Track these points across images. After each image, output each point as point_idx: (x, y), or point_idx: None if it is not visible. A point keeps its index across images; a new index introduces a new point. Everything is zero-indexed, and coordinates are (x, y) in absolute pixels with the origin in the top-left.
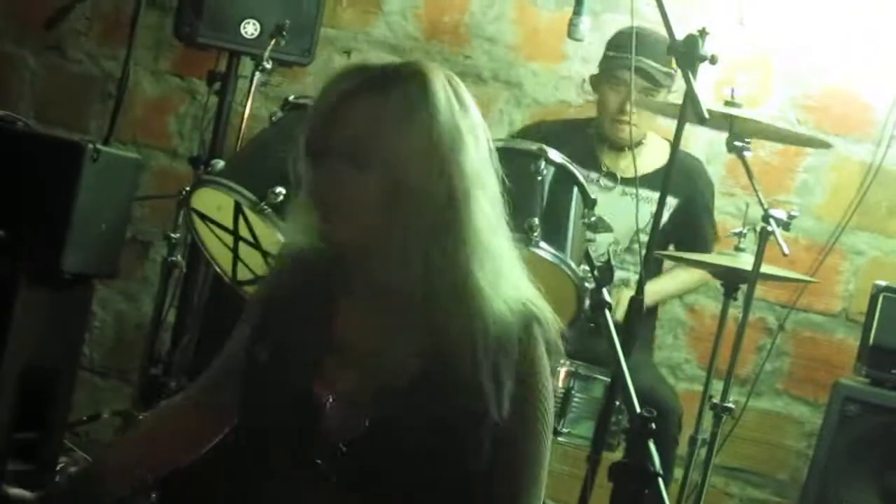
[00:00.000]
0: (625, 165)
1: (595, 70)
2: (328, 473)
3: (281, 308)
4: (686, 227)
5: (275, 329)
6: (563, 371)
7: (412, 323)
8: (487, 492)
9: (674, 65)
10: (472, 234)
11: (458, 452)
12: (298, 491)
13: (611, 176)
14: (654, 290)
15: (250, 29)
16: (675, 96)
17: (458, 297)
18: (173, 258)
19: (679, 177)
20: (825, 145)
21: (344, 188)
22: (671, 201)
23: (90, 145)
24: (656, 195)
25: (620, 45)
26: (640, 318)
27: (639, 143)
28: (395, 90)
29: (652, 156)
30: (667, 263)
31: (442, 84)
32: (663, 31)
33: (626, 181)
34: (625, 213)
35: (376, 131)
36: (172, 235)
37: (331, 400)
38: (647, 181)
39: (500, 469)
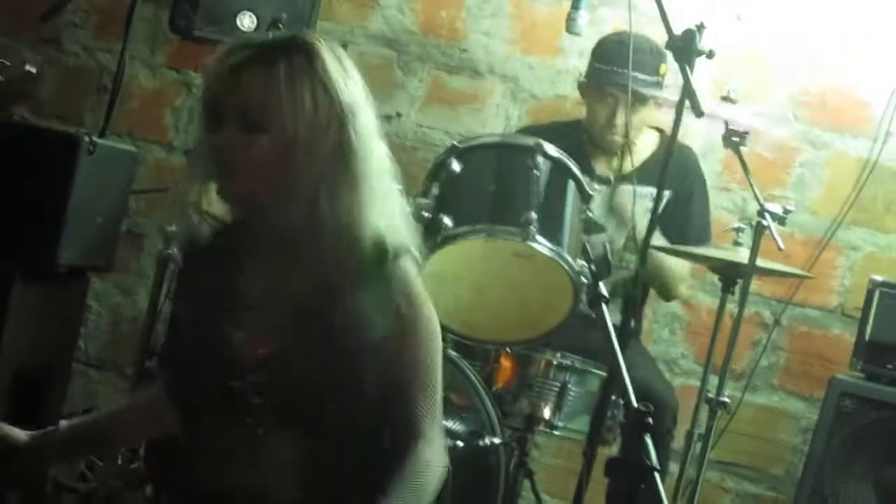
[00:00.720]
0: (616, 166)
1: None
2: (246, 401)
3: (196, 269)
4: (676, 218)
5: (191, 288)
6: (555, 364)
7: (301, 263)
8: (382, 418)
9: (662, 70)
10: (360, 184)
11: (340, 378)
12: (224, 431)
13: (603, 179)
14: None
15: (246, 22)
16: (672, 91)
17: (338, 238)
18: (168, 251)
19: (670, 169)
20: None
21: (238, 151)
22: (665, 194)
23: (86, 138)
24: (648, 189)
25: (608, 58)
26: (639, 313)
27: (630, 145)
28: (282, 61)
29: (642, 150)
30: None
31: (326, 53)
32: (653, 28)
33: (618, 180)
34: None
35: (265, 99)
36: (167, 228)
37: (236, 338)
38: (640, 177)
39: (391, 393)
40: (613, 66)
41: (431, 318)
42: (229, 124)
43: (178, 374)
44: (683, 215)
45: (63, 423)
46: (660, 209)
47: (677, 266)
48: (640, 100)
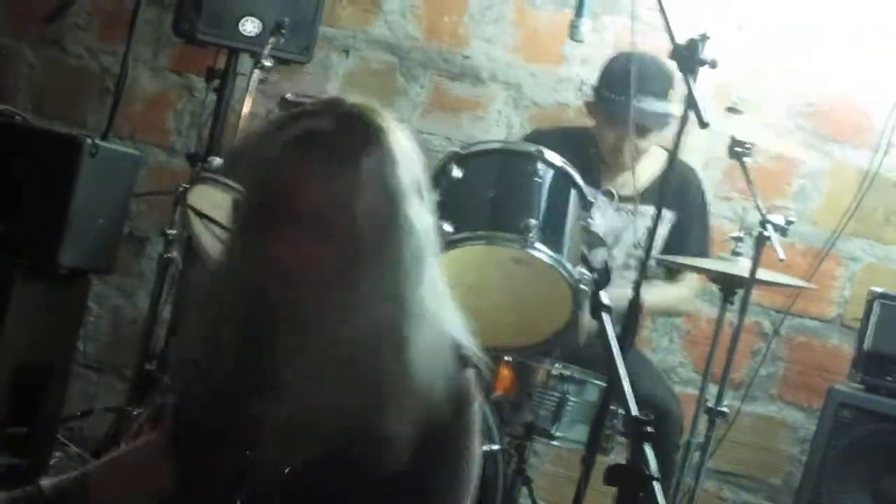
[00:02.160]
0: (622, 182)
1: (591, 72)
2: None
3: (212, 372)
4: (680, 237)
5: (206, 396)
6: (555, 373)
7: (346, 380)
8: None
9: (669, 95)
10: (419, 296)
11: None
12: None
13: (608, 194)
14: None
15: (249, 26)
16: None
17: (393, 358)
18: (169, 255)
19: (673, 188)
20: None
21: (307, 258)
22: (668, 215)
23: (88, 140)
24: (651, 209)
25: (617, 86)
26: (638, 322)
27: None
28: (357, 160)
29: (648, 168)
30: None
31: (397, 143)
32: (656, 37)
33: (623, 199)
34: (619, 229)
35: (339, 202)
36: (169, 232)
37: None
38: (643, 196)
39: None
40: (622, 96)
41: (473, 459)
42: (295, 227)
43: (194, 443)
44: (680, 237)
45: (45, 482)
46: (663, 230)
47: (664, 300)
48: (645, 131)
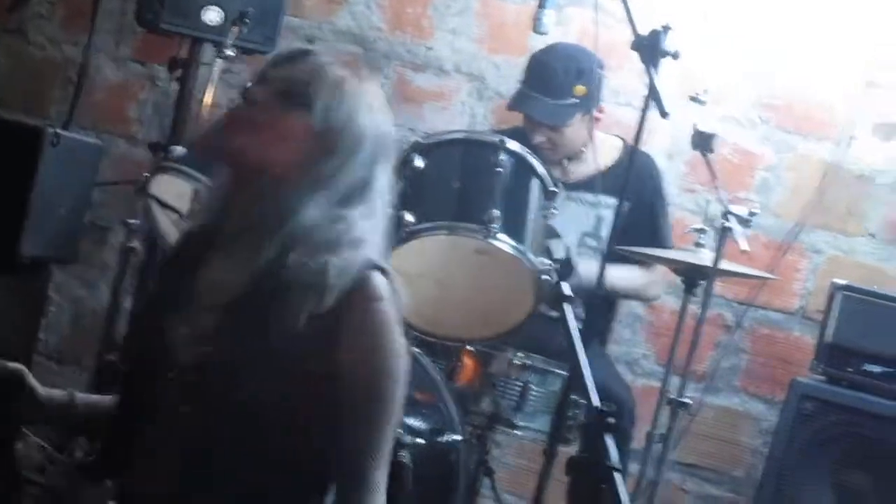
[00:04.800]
0: (571, 169)
1: None
2: (174, 395)
3: (166, 267)
4: (640, 227)
5: (155, 284)
6: (517, 363)
7: (258, 257)
8: (324, 457)
9: (578, 91)
10: (342, 188)
11: (275, 394)
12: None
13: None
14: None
15: (213, 16)
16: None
17: (308, 241)
18: (131, 244)
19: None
20: None
21: (270, 118)
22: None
23: (50, 129)
24: (604, 199)
25: (526, 78)
26: (599, 311)
27: (580, 154)
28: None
29: (605, 155)
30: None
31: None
32: (620, 29)
33: (572, 187)
34: (571, 217)
35: (309, 80)
36: (131, 221)
37: (178, 335)
38: (592, 185)
39: (338, 430)
40: (527, 90)
41: (390, 346)
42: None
43: (125, 367)
44: (651, 227)
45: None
46: (613, 218)
47: (626, 281)
48: (548, 126)
